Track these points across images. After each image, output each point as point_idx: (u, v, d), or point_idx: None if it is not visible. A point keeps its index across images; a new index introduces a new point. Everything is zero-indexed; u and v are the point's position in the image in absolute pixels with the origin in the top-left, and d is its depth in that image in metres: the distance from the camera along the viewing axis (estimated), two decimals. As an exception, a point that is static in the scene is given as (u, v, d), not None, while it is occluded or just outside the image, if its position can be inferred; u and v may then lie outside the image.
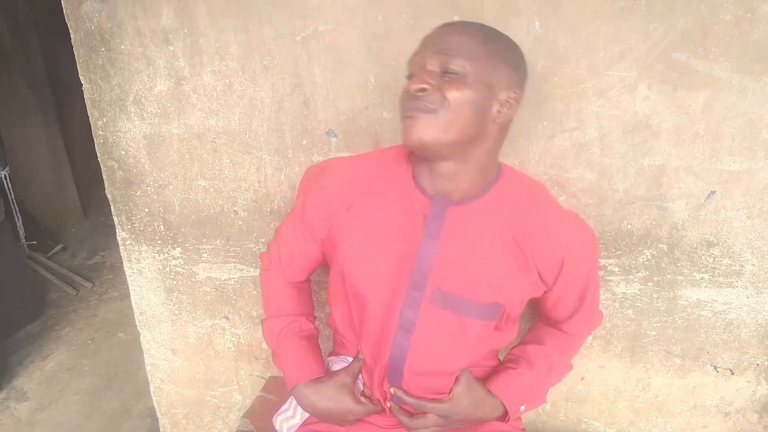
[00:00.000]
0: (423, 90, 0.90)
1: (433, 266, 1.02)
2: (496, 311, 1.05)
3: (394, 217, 1.04)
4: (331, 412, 1.12)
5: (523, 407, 1.16)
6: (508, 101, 0.94)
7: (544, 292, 1.09)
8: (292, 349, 1.17)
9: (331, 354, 1.27)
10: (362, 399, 1.14)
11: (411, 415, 1.11)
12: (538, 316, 1.27)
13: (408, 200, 1.03)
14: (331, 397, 1.12)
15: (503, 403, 1.12)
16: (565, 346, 1.22)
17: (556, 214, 1.06)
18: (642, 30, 1.08)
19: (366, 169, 1.08)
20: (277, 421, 1.23)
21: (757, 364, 1.36)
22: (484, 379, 1.16)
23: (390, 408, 1.13)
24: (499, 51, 0.93)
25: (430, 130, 0.91)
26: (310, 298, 1.28)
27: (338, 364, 1.20)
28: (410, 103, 0.92)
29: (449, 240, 1.01)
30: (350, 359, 1.19)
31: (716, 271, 1.27)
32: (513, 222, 1.02)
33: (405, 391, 1.09)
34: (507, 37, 0.97)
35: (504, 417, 1.14)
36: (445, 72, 0.91)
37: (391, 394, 1.11)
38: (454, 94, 0.89)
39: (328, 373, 1.16)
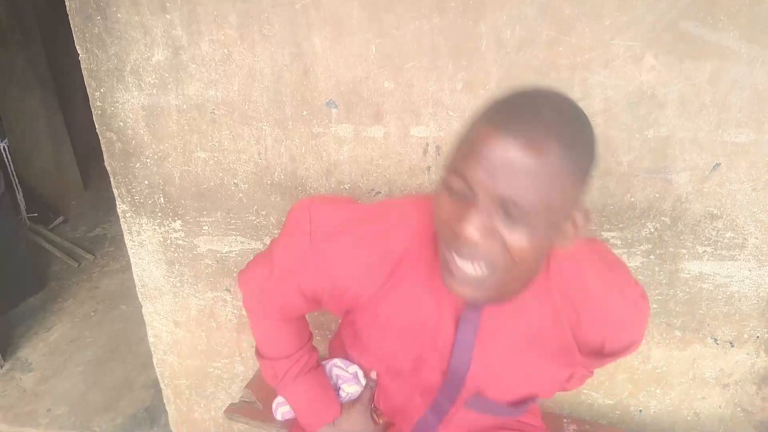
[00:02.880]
0: (471, 244, 0.69)
1: (468, 373, 0.90)
2: (531, 402, 0.98)
3: (426, 311, 0.88)
4: None
5: None
6: (577, 222, 0.73)
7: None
8: (302, 392, 1.09)
9: (332, 353, 1.23)
10: (374, 417, 1.13)
11: None
12: None
13: (441, 294, 0.87)
14: (362, 423, 1.11)
15: None
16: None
17: (603, 285, 0.88)
18: (650, -2, 1.06)
19: (393, 246, 0.88)
20: (277, 409, 1.23)
21: (757, 337, 1.36)
22: None
23: None
24: (582, 163, 0.69)
25: (482, 290, 0.74)
26: (306, 324, 1.16)
27: (339, 369, 1.17)
28: (457, 245, 0.71)
29: (486, 343, 0.88)
30: (353, 368, 1.14)
31: (719, 244, 1.26)
32: (563, 305, 0.86)
33: None
34: (583, 120, 0.71)
35: None
36: (506, 212, 0.67)
37: None
38: (519, 248, 0.68)
39: (344, 409, 1.12)
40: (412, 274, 0.87)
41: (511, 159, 0.64)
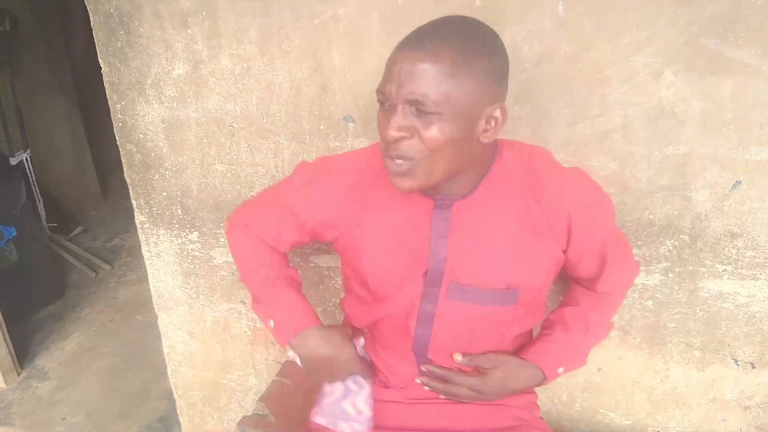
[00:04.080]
0: (397, 140, 0.86)
1: (446, 263, 1.01)
2: (513, 295, 1.04)
3: (403, 223, 1.03)
4: (331, 360, 1.11)
5: (561, 369, 1.14)
6: (493, 118, 0.88)
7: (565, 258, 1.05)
8: (290, 297, 1.13)
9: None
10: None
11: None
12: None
13: (411, 204, 1.01)
14: (337, 345, 1.11)
15: (541, 368, 1.12)
16: (601, 305, 1.17)
17: (558, 172, 1.01)
18: (669, 15, 1.05)
19: (361, 179, 1.06)
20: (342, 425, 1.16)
21: (780, 358, 1.33)
22: (520, 350, 1.15)
23: (421, 382, 1.14)
24: (478, 64, 0.83)
25: (413, 180, 0.89)
26: (287, 259, 1.22)
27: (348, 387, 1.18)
28: (387, 149, 0.88)
29: (459, 235, 1.00)
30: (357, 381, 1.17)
31: (739, 263, 1.24)
32: (522, 191, 0.99)
33: (435, 365, 1.12)
34: (484, 33, 0.87)
35: (543, 382, 1.14)
36: (418, 110, 0.84)
37: (420, 370, 1.14)
38: (431, 139, 0.84)
39: (330, 324, 1.17)
40: (385, 192, 1.02)
41: (411, 66, 0.82)
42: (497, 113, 0.87)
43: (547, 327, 1.19)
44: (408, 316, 1.08)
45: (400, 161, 0.88)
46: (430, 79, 0.81)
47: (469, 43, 0.83)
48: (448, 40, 0.82)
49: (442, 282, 1.03)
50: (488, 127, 0.88)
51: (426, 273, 1.03)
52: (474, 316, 1.05)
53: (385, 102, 0.87)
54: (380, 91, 0.87)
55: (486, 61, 0.84)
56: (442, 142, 0.84)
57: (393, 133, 0.85)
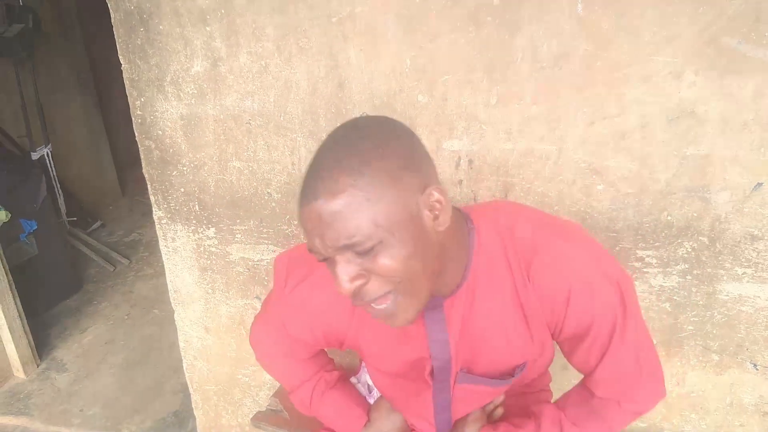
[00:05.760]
0: (357, 289, 0.76)
1: (450, 362, 0.96)
2: (521, 368, 0.99)
3: (397, 332, 0.94)
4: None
5: None
6: (435, 202, 0.76)
7: (563, 338, 0.94)
8: (330, 407, 1.12)
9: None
10: None
11: None
12: None
13: None
14: (385, 424, 1.13)
15: None
16: (585, 420, 1.00)
17: (551, 240, 0.87)
18: (690, 14, 1.04)
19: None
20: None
21: (800, 363, 1.31)
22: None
23: None
24: (379, 170, 0.72)
25: (405, 312, 0.79)
26: (324, 353, 1.19)
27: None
28: (356, 301, 0.79)
29: (456, 332, 0.93)
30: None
31: (760, 266, 1.22)
32: (510, 271, 0.88)
33: None
34: (365, 135, 0.76)
35: None
36: (355, 252, 0.73)
37: None
38: (387, 269, 0.74)
39: (373, 410, 1.15)
40: None
41: (318, 217, 0.72)
42: (435, 196, 0.76)
43: (524, 416, 1.07)
44: (425, 410, 1.06)
45: (379, 306, 0.79)
46: (343, 218, 0.71)
47: (355, 158, 0.73)
48: (335, 169, 0.72)
49: (450, 375, 0.98)
50: (435, 214, 0.77)
51: (431, 373, 0.98)
52: (488, 391, 1.03)
53: (322, 258, 0.77)
54: (310, 250, 0.77)
55: (384, 161, 0.73)
56: (402, 264, 0.74)
57: (348, 287, 0.75)
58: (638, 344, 0.92)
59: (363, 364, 1.24)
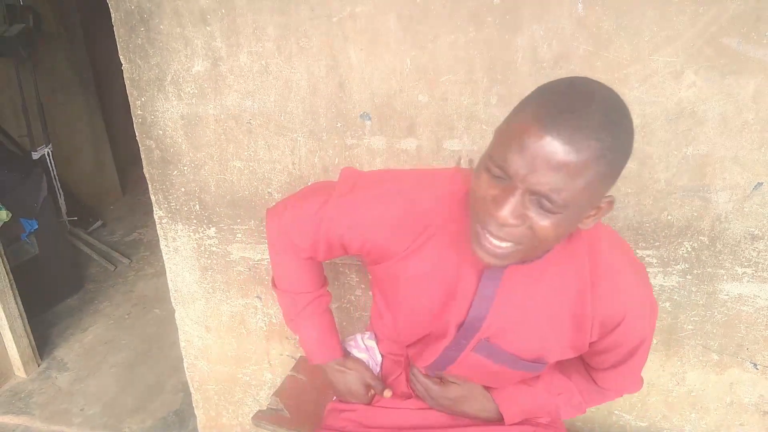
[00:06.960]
0: (502, 224, 0.75)
1: (483, 323, 0.96)
2: (539, 367, 1.02)
3: (450, 270, 0.95)
4: (342, 393, 1.20)
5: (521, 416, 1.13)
6: (604, 207, 0.79)
7: (591, 344, 0.99)
8: (312, 329, 1.18)
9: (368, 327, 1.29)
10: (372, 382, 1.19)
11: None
12: None
13: (463, 255, 0.92)
14: (350, 388, 1.19)
15: (500, 412, 1.11)
16: (589, 392, 1.13)
17: (623, 264, 0.93)
18: (690, 13, 1.04)
19: (423, 208, 0.94)
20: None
21: (800, 363, 1.31)
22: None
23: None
24: (617, 162, 0.73)
25: (505, 260, 0.80)
26: (323, 268, 1.22)
27: (356, 348, 1.23)
28: (490, 227, 0.77)
29: (504, 299, 0.94)
30: (367, 342, 1.23)
31: (760, 265, 1.22)
32: (580, 273, 0.91)
33: (421, 372, 1.13)
34: (628, 122, 0.74)
35: (499, 422, 1.13)
36: (539, 202, 0.73)
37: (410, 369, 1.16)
38: (543, 230, 0.74)
39: (356, 364, 1.19)
40: (439, 235, 0.94)
41: (551, 157, 0.68)
42: (604, 203, 0.79)
43: (531, 379, 1.13)
44: (427, 354, 1.06)
45: (503, 244, 0.78)
46: (566, 176, 0.69)
47: (618, 140, 0.71)
48: (596, 132, 0.69)
49: (473, 336, 0.99)
50: (592, 214, 0.79)
51: (460, 325, 0.98)
52: (492, 371, 1.03)
53: (501, 176, 0.74)
54: (499, 164, 0.73)
55: (625, 157, 0.74)
56: (553, 235, 0.76)
57: (508, 219, 0.73)
58: (646, 355, 1.03)
59: (361, 335, 1.25)
